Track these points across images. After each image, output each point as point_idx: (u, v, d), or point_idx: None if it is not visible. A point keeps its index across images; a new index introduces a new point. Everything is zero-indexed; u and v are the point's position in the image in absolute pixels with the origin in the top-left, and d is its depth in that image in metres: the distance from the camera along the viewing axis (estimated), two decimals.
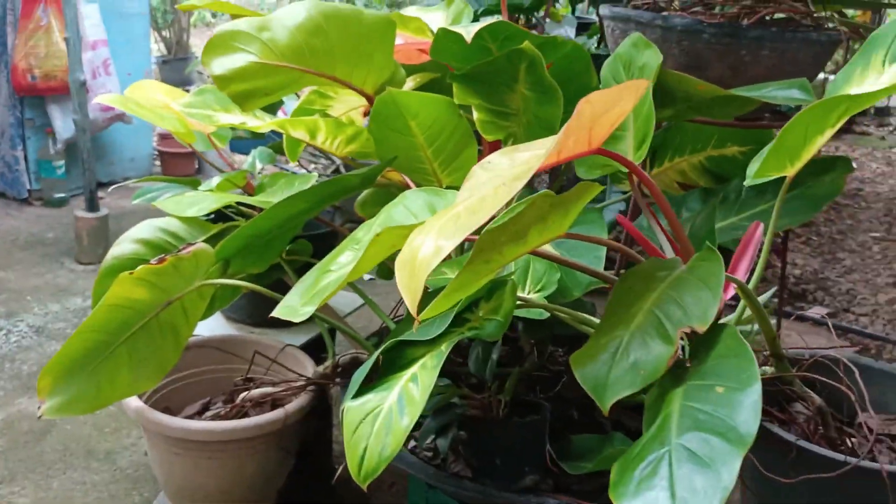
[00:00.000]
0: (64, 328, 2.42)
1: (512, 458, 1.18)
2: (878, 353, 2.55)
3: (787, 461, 0.90)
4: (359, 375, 1.00)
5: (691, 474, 0.62)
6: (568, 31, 2.66)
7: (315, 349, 1.61)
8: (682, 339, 0.87)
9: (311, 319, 1.43)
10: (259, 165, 1.76)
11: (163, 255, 1.21)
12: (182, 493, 1.36)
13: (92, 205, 2.85)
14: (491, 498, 1.16)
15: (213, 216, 1.57)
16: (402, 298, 1.00)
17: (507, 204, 1.26)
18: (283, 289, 1.21)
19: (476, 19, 2.75)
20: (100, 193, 3.06)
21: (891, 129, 5.44)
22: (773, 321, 1.54)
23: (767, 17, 1.58)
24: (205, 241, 1.36)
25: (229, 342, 1.53)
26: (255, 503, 1.40)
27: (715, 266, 0.79)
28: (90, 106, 2.96)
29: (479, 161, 0.89)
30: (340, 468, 1.01)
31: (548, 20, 3.02)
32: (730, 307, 1.20)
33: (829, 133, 0.99)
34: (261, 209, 1.40)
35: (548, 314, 1.13)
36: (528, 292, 1.19)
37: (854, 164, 4.62)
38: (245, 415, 1.34)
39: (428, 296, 0.98)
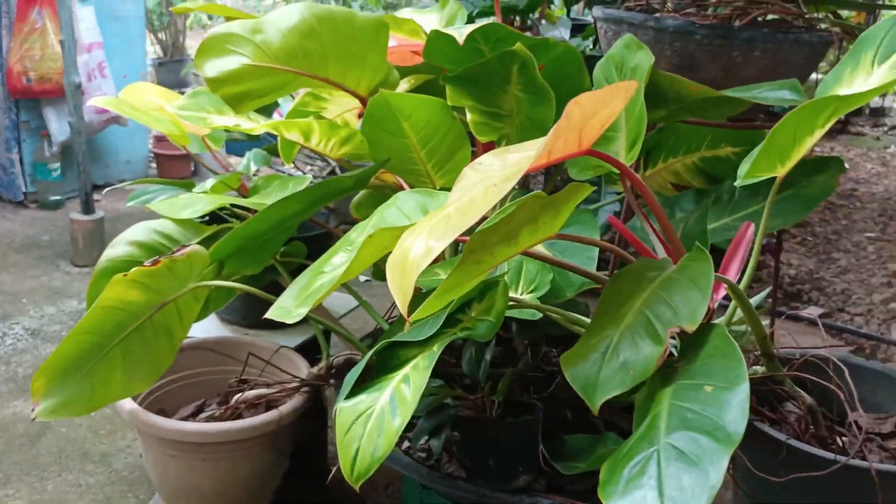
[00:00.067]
0: (59, 331, 2.42)
1: (505, 458, 1.18)
2: (873, 352, 2.56)
3: (777, 460, 0.91)
4: (351, 376, 1.01)
5: (679, 473, 0.63)
6: (562, 33, 2.67)
7: (310, 351, 1.61)
8: (673, 338, 0.87)
9: (305, 321, 1.43)
10: (253, 167, 1.76)
11: (157, 257, 1.21)
12: (177, 495, 1.36)
13: (87, 207, 2.85)
14: (484, 498, 1.16)
15: (207, 218, 1.57)
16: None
17: (500, 204, 1.27)
18: (278, 290, 1.21)
19: (471, 21, 2.75)
20: (95, 196, 3.06)
21: (885, 129, 5.45)
22: (767, 321, 1.55)
23: (760, 19, 1.59)
24: (199, 242, 1.37)
25: (224, 344, 1.53)
26: None
27: (704, 266, 0.80)
28: (85, 108, 2.96)
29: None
30: (335, 469, 1.02)
31: (543, 22, 3.03)
32: (723, 307, 1.21)
33: (819, 133, 1.00)
34: (255, 211, 1.40)
35: (540, 315, 1.13)
36: (521, 293, 1.19)
37: (848, 165, 4.63)
38: (239, 416, 1.35)
39: (422, 297, 0.99)
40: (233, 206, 1.55)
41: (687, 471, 0.63)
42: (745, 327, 1.53)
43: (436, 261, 1.36)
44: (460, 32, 1.24)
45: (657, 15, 1.55)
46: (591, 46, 2.90)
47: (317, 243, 1.57)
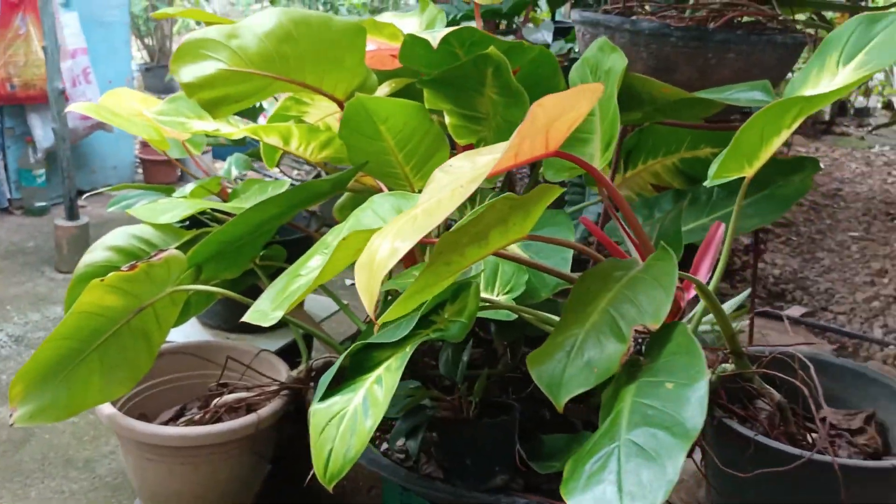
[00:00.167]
0: (43, 337, 2.40)
1: (482, 458, 1.19)
2: (856, 350, 2.58)
3: (745, 456, 0.92)
4: (325, 379, 1.01)
5: (638, 468, 0.64)
6: (545, 36, 2.68)
7: (291, 354, 1.62)
8: (642, 338, 0.88)
9: (287, 324, 1.44)
10: (235, 172, 1.77)
11: (134, 262, 1.22)
12: (157, 499, 1.37)
13: (72, 213, 2.85)
14: (461, 498, 1.17)
15: (188, 223, 1.58)
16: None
17: (473, 206, 1.27)
18: (258, 294, 1.22)
19: (457, 24, 2.77)
20: (81, 202, 3.06)
21: (870, 129, 5.49)
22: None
23: (736, 21, 1.60)
24: (178, 247, 1.37)
25: (204, 348, 1.54)
26: None
27: (669, 265, 0.81)
28: (70, 114, 2.96)
29: None
30: (312, 472, 1.02)
31: (529, 24, 3.05)
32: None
33: (786, 134, 1.01)
34: (234, 215, 1.41)
35: (515, 315, 1.14)
36: (497, 294, 1.20)
37: (833, 165, 4.67)
38: (219, 420, 1.35)
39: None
40: (213, 210, 1.55)
41: (646, 466, 0.64)
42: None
43: (413, 263, 1.37)
44: (434, 36, 1.25)
45: (633, 18, 1.56)
46: (576, 49, 2.92)
47: (297, 247, 1.57)
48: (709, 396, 1.00)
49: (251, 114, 2.36)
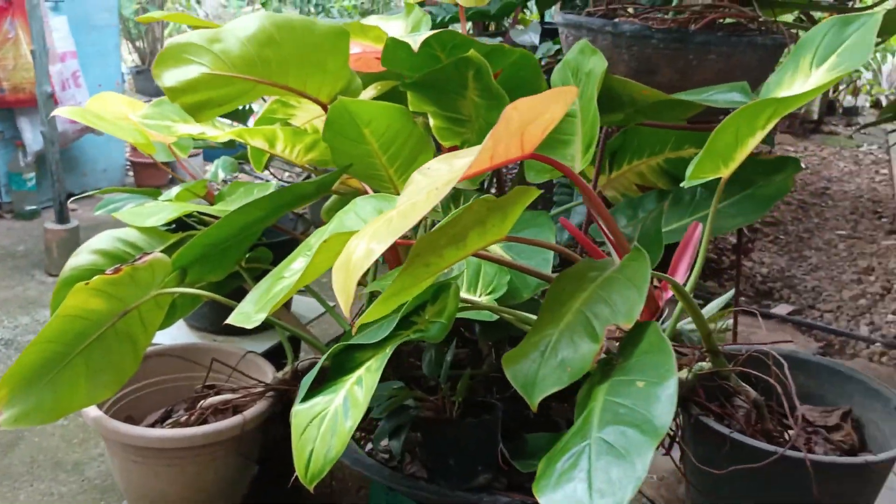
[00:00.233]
0: None
1: (465, 457, 1.20)
2: (842, 348, 2.60)
3: (722, 454, 0.93)
4: (307, 380, 1.02)
5: (608, 466, 0.65)
6: (532, 37, 2.69)
7: (278, 356, 1.63)
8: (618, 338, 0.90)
9: (274, 326, 1.44)
10: (222, 174, 1.78)
11: (119, 265, 1.22)
12: (143, 501, 1.37)
13: (62, 217, 2.85)
14: (445, 497, 1.18)
15: (175, 226, 1.58)
16: (363, 304, 1.02)
17: (455, 208, 1.28)
18: (244, 297, 1.23)
19: (445, 26, 2.78)
20: (71, 205, 3.06)
21: (858, 128, 5.53)
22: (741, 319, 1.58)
23: (718, 23, 1.61)
24: (163, 250, 1.38)
25: (191, 350, 1.54)
26: None
27: (642, 266, 0.82)
28: (59, 118, 2.96)
29: None
30: (296, 474, 1.03)
31: (518, 26, 3.06)
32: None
33: (761, 134, 1.02)
34: (219, 218, 1.41)
35: (497, 316, 1.15)
36: (480, 295, 1.21)
37: (821, 164, 4.69)
38: (205, 422, 1.36)
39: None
40: (199, 213, 1.56)
41: (616, 463, 0.65)
42: (714, 325, 1.56)
43: (398, 264, 1.38)
44: (415, 40, 1.26)
45: (615, 20, 1.58)
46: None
47: (283, 249, 1.58)
48: (687, 394, 1.02)
49: (242, 116, 2.37)
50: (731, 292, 1.60)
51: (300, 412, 0.98)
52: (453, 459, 1.20)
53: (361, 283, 1.65)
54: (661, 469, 1.15)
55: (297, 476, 0.94)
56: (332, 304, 1.53)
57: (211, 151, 3.87)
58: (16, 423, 1.18)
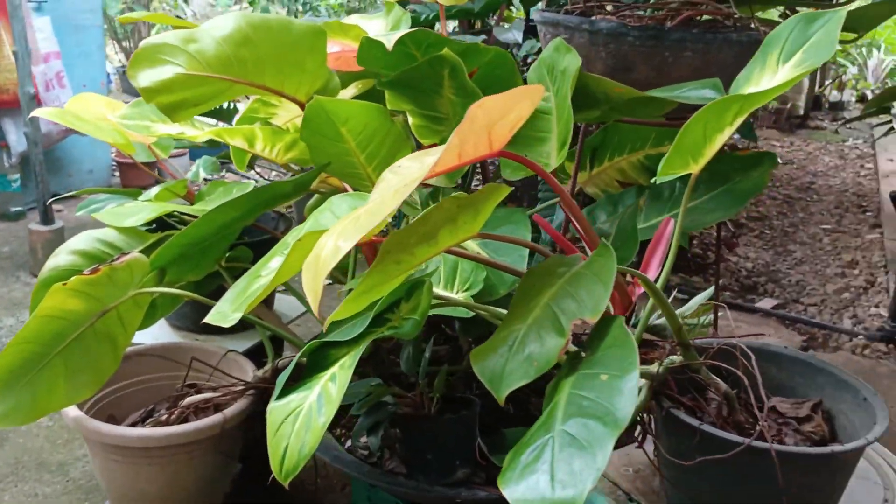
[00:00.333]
0: None
1: (444, 453, 1.21)
2: (825, 341, 2.62)
3: (692, 446, 0.94)
4: (283, 377, 1.03)
5: (570, 458, 0.66)
6: (515, 35, 2.71)
7: (259, 355, 1.63)
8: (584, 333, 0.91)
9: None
10: (202, 174, 1.78)
11: (97, 266, 1.23)
12: (124, 500, 1.38)
13: (46, 218, 2.84)
14: (424, 493, 1.19)
15: (155, 226, 1.59)
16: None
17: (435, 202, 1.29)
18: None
19: (430, 24, 2.78)
20: (57, 206, 3.05)
21: (843, 122, 5.56)
22: (722, 313, 1.59)
23: (694, 20, 1.63)
24: (142, 250, 1.38)
25: (172, 350, 1.55)
26: None
27: (608, 261, 0.83)
28: (42, 119, 2.95)
29: None
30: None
31: (503, 24, 3.07)
32: (681, 301, 1.23)
33: (729, 131, 1.03)
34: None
35: (473, 312, 1.16)
36: (457, 291, 1.22)
37: (807, 158, 4.72)
38: (186, 420, 1.36)
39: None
40: (180, 213, 1.56)
41: (577, 455, 0.66)
42: (697, 319, 1.58)
43: None
44: (389, 39, 1.26)
45: (592, 18, 1.59)
46: None
47: (263, 248, 1.58)
48: (658, 388, 1.04)
49: (227, 115, 2.37)
50: (713, 288, 1.62)
51: (276, 409, 0.99)
52: (432, 455, 1.21)
53: (341, 281, 1.65)
54: (637, 462, 1.16)
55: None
56: None
57: (197, 151, 3.86)
58: None
